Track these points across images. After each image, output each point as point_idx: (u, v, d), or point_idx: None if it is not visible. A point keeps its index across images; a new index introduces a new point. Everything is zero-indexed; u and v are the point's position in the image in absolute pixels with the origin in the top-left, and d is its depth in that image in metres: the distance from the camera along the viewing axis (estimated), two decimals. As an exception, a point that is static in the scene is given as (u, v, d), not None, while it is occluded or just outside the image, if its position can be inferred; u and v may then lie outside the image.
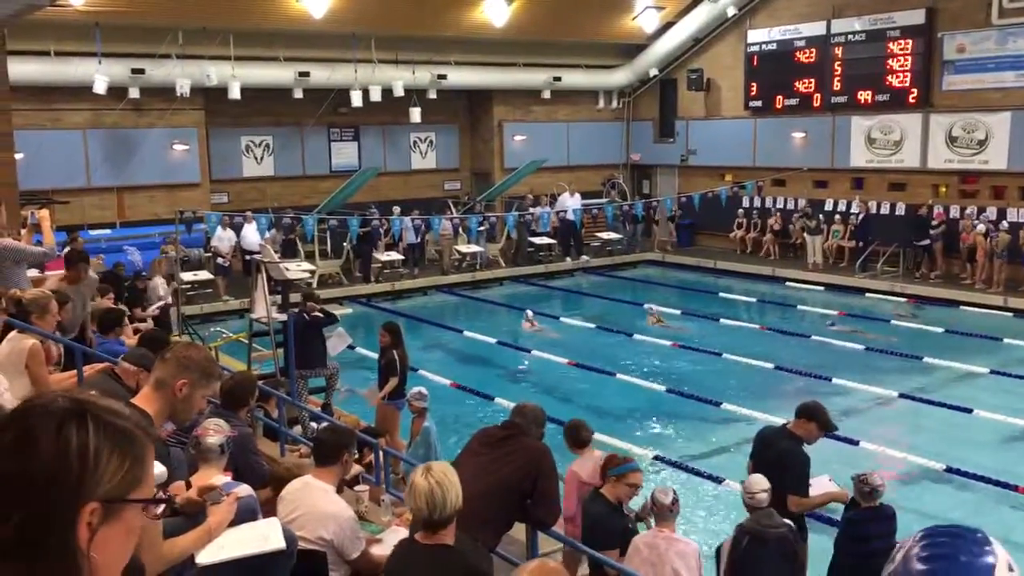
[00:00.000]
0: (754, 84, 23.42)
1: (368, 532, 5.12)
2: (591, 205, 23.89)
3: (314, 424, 8.96)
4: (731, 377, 13.48)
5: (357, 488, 5.94)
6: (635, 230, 24.25)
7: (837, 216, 21.37)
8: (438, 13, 21.00)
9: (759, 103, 23.38)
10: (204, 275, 18.52)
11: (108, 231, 18.80)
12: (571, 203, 23.04)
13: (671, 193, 24.43)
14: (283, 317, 10.53)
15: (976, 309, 17.56)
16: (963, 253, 19.03)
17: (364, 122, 23.14)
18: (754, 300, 19.38)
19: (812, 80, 22.23)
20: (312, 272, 19.04)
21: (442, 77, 22.37)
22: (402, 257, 20.75)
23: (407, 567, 3.64)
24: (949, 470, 9.70)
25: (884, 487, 5.94)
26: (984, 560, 1.26)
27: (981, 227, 18.49)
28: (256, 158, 22.25)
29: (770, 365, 13.71)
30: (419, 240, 21.22)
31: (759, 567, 5.19)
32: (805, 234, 21.41)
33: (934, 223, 19.46)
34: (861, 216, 20.82)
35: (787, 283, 20.73)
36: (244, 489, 4.18)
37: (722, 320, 17.05)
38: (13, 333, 5.76)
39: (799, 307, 18.36)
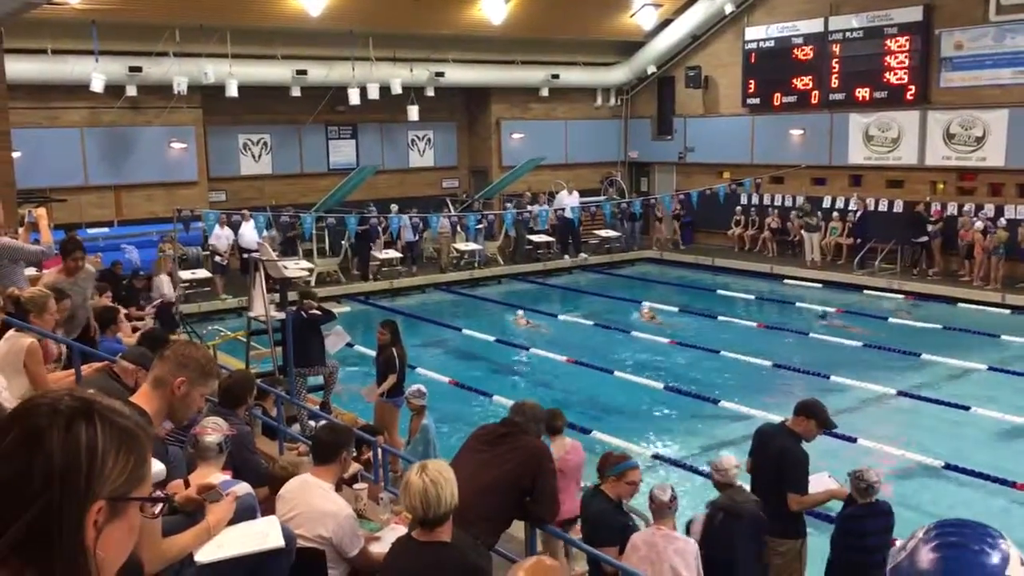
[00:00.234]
0: (752, 81, 23.42)
1: (367, 530, 5.11)
2: (589, 203, 23.91)
3: (312, 422, 8.95)
4: (729, 374, 13.49)
5: (356, 486, 5.94)
6: (633, 228, 24.25)
7: (835, 213, 21.37)
8: (436, 11, 20.98)
9: (757, 100, 23.39)
10: (202, 273, 18.53)
11: (106, 229, 18.80)
12: (569, 201, 23.05)
13: (669, 191, 24.42)
14: (281, 315, 10.51)
15: (974, 306, 17.58)
16: (961, 250, 19.05)
17: (362, 120, 23.13)
18: (752, 297, 19.39)
19: (810, 77, 22.24)
20: (310, 270, 19.07)
21: (440, 75, 22.37)
22: (400, 255, 20.74)
23: (404, 564, 3.64)
24: (947, 467, 9.72)
25: (880, 483, 5.95)
26: (997, 552, 1.25)
27: (979, 224, 18.50)
28: (254, 156, 22.24)
29: (768, 362, 13.72)
30: (417, 238, 21.22)
31: (734, 541, 5.32)
32: (803, 231, 21.42)
33: (932, 220, 19.48)
34: (859, 213, 20.83)
35: (785, 280, 20.75)
36: (243, 487, 4.18)
37: (720, 317, 17.06)
38: (11, 332, 5.75)
39: (797, 304, 18.37)
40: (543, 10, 22.12)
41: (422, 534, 3.54)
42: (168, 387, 3.02)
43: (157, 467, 2.73)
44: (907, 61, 20.44)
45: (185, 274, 17.85)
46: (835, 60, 21.72)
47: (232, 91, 19.60)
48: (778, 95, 22.86)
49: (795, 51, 22.46)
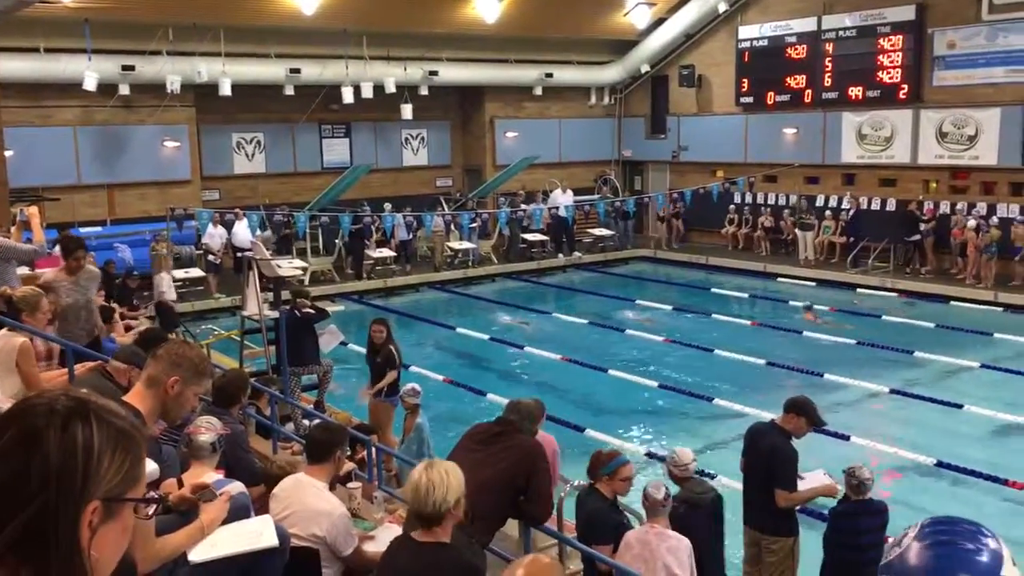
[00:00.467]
0: (745, 80, 23.46)
1: (361, 529, 5.12)
2: (583, 201, 23.92)
3: (307, 421, 8.94)
4: (723, 373, 13.50)
5: (350, 485, 5.94)
6: (626, 226, 24.22)
7: (828, 212, 21.42)
8: (430, 9, 20.96)
9: (750, 99, 23.42)
10: (195, 272, 18.49)
11: (99, 228, 18.73)
12: (563, 200, 23.06)
13: (663, 189, 24.44)
14: (275, 314, 10.50)
15: (967, 304, 17.64)
16: (954, 249, 19.12)
17: (355, 119, 23.11)
18: (746, 296, 19.42)
19: (803, 76, 22.27)
20: (304, 269, 19.03)
21: (434, 74, 22.35)
22: (394, 254, 20.73)
23: (400, 564, 3.64)
24: (940, 464, 9.74)
25: (872, 480, 5.97)
26: (989, 551, 1.25)
27: (972, 222, 18.56)
28: (247, 155, 22.20)
29: (762, 360, 13.75)
30: (411, 237, 21.20)
31: (695, 531, 5.46)
32: (797, 229, 21.46)
33: (924, 219, 19.53)
34: (852, 212, 20.88)
35: (778, 279, 20.79)
36: (236, 487, 4.17)
37: (714, 316, 17.09)
38: (3, 331, 5.73)
39: (791, 303, 18.40)
40: (537, 9, 22.11)
41: (421, 534, 3.53)
42: (161, 386, 3.01)
43: (151, 467, 2.72)
44: (900, 60, 20.49)
45: (178, 273, 17.81)
46: (828, 59, 21.76)
47: (225, 90, 19.55)
48: (771, 94, 22.89)
49: (788, 50, 22.50)
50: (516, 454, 4.87)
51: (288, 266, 15.53)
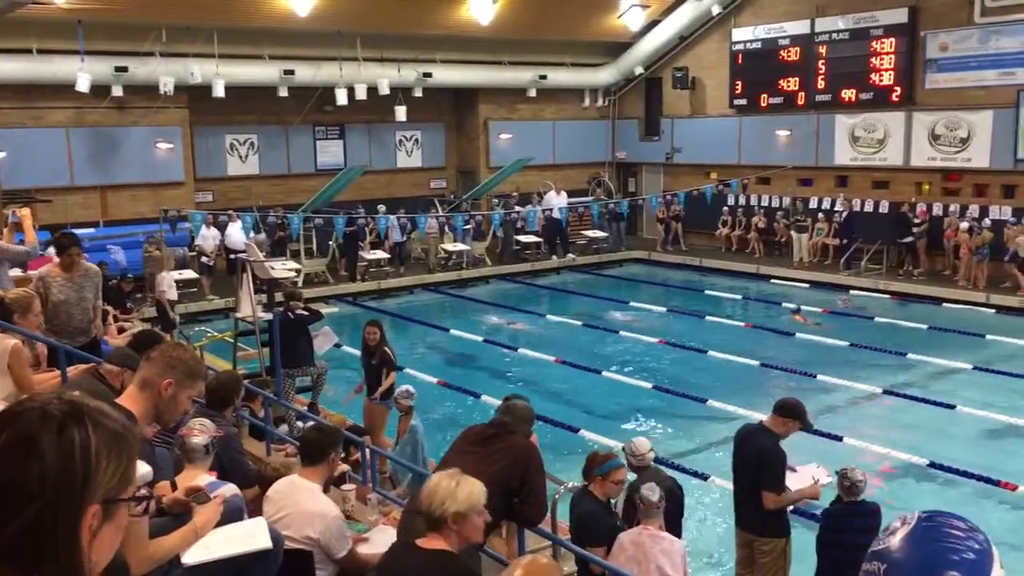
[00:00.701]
0: (739, 82, 23.51)
1: (355, 531, 5.11)
2: (577, 203, 23.94)
3: (301, 423, 8.93)
4: (716, 374, 13.53)
5: (344, 487, 5.93)
6: (619, 228, 24.21)
7: (820, 215, 21.48)
8: (424, 11, 20.97)
9: (744, 101, 23.47)
10: (189, 274, 18.45)
11: (92, 230, 18.67)
12: (557, 201, 23.08)
13: (656, 191, 24.48)
14: (268, 316, 10.49)
15: (959, 306, 17.69)
16: (948, 250, 19.19)
17: (349, 120, 23.10)
18: (739, 298, 19.46)
19: (796, 78, 22.34)
20: (298, 271, 19.02)
21: (428, 75, 22.35)
22: (388, 256, 20.72)
23: (396, 566, 3.65)
24: (932, 465, 9.77)
25: (865, 482, 5.99)
26: (980, 545, 1.26)
27: (965, 224, 18.63)
28: (241, 157, 22.17)
29: (755, 362, 13.77)
30: (405, 239, 21.19)
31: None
32: (792, 231, 21.50)
33: (917, 221, 19.59)
34: (845, 214, 20.94)
35: (772, 280, 20.83)
36: (230, 489, 4.17)
37: (708, 317, 17.11)
38: (-5, 333, 5.72)
39: (784, 304, 18.44)
40: (531, 11, 22.13)
41: (423, 540, 3.54)
42: (155, 389, 3.01)
43: (144, 469, 2.72)
44: (893, 63, 20.56)
45: (172, 275, 17.76)
46: (821, 61, 21.83)
47: (219, 91, 19.52)
48: (765, 96, 22.95)
49: (781, 52, 22.56)
50: (510, 455, 4.88)
51: (282, 268, 15.53)
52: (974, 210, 19.21)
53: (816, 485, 6.42)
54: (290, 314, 10.49)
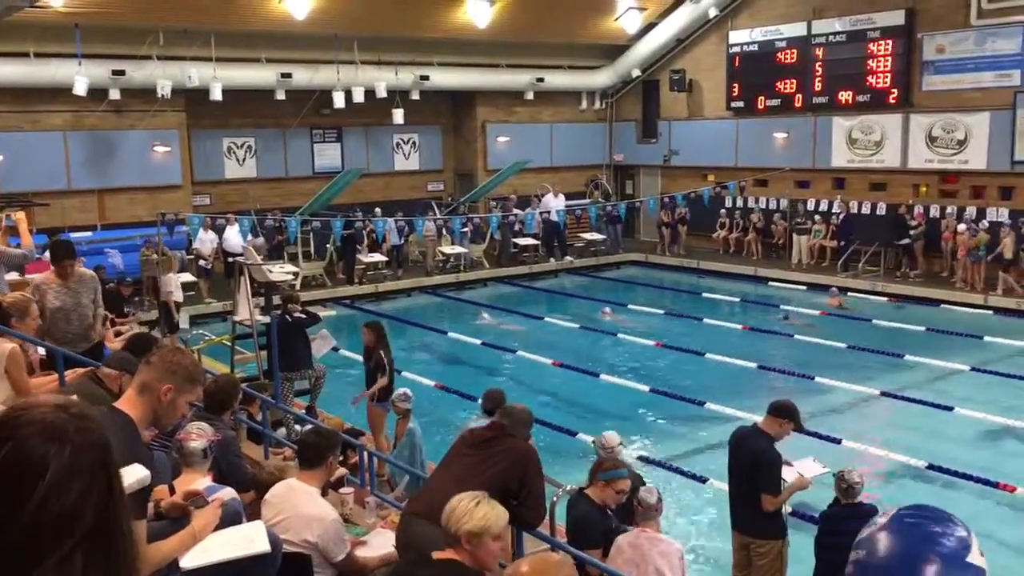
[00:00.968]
0: (736, 85, 23.54)
1: (353, 535, 5.11)
2: (575, 206, 23.94)
3: (299, 427, 8.93)
4: (714, 377, 13.53)
5: (342, 491, 5.93)
6: (615, 231, 24.20)
7: (817, 217, 21.50)
8: (421, 14, 20.98)
9: (741, 104, 23.50)
10: (186, 277, 18.41)
11: (89, 234, 18.67)
12: (555, 204, 23.09)
13: (654, 194, 24.49)
14: (266, 319, 10.48)
15: (957, 307, 17.71)
16: (945, 252, 19.22)
17: (347, 123, 23.10)
18: (737, 300, 19.46)
19: (793, 81, 22.37)
20: (295, 274, 19.00)
21: (425, 78, 22.36)
22: (386, 258, 20.71)
23: (408, 572, 3.70)
24: (931, 467, 9.77)
25: (862, 484, 6.00)
26: (957, 537, 1.26)
27: (963, 226, 18.67)
28: (238, 160, 22.17)
29: (753, 364, 13.76)
30: (403, 241, 21.20)
31: (623, 506, 5.78)
32: (793, 233, 21.52)
33: (912, 226, 19.62)
34: (842, 216, 20.97)
35: (770, 283, 20.85)
36: (228, 493, 4.17)
37: (705, 320, 17.12)
38: (-7, 337, 5.71)
39: (782, 306, 18.44)
40: (528, 13, 22.15)
41: (439, 551, 3.58)
42: (154, 393, 3.00)
43: (142, 473, 2.72)
44: (889, 65, 20.59)
45: (178, 276, 17.74)
46: (818, 64, 21.86)
47: (216, 94, 19.51)
48: (762, 98, 22.98)
49: (778, 55, 22.59)
50: (509, 458, 4.89)
51: (279, 271, 15.52)
52: (971, 212, 19.24)
53: (804, 477, 6.46)
54: (288, 317, 10.48)
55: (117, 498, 1.21)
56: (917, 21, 20.12)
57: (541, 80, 24.59)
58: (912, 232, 19.54)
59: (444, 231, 21.61)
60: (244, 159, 22.22)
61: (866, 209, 21.06)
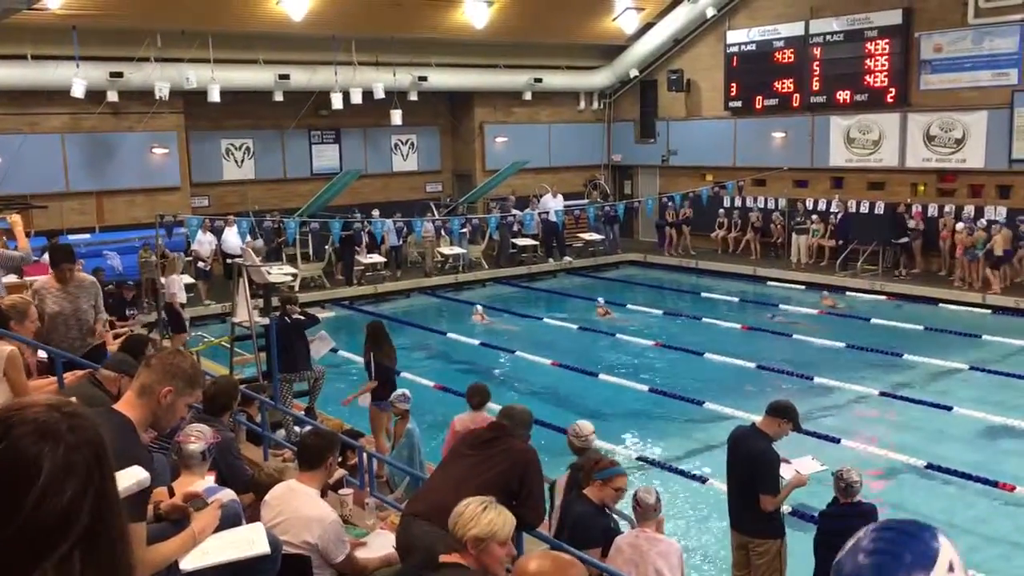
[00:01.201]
0: (734, 84, 23.55)
1: (353, 536, 5.11)
2: (573, 206, 23.95)
3: (298, 428, 8.93)
4: (713, 376, 13.53)
5: (341, 492, 5.94)
6: (613, 231, 24.20)
7: (814, 216, 21.51)
8: (418, 15, 20.98)
9: (739, 103, 23.51)
10: (185, 279, 18.38)
11: (87, 236, 18.66)
12: (553, 204, 23.10)
13: (652, 193, 24.50)
14: (265, 321, 10.48)
15: (955, 306, 17.72)
16: (943, 251, 19.23)
17: (345, 124, 23.10)
18: (736, 299, 19.46)
19: (791, 80, 22.38)
20: (294, 275, 19.00)
21: (423, 79, 22.36)
22: (384, 259, 20.71)
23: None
24: (930, 467, 9.77)
25: (861, 483, 6.01)
26: (927, 557, 1.26)
27: (961, 225, 18.69)
28: (236, 161, 22.16)
29: (752, 364, 13.77)
30: (401, 242, 21.20)
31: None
32: (793, 233, 21.53)
33: (910, 229, 19.64)
34: (840, 215, 20.99)
35: (768, 282, 20.86)
36: (227, 494, 4.17)
37: (704, 319, 17.12)
38: (-8, 340, 5.71)
39: (781, 306, 18.46)
40: (525, 14, 22.15)
41: (445, 557, 3.58)
42: (154, 396, 3.00)
43: (141, 475, 2.72)
44: (887, 64, 20.61)
45: (182, 278, 17.74)
46: (816, 63, 21.88)
47: (214, 96, 19.51)
48: (760, 98, 22.99)
49: (776, 54, 22.61)
50: (509, 459, 4.89)
51: (278, 272, 15.52)
52: (969, 210, 19.25)
53: (801, 475, 6.47)
54: (287, 318, 10.48)
55: (112, 497, 1.21)
56: (914, 20, 20.14)
57: (539, 80, 24.60)
58: (910, 231, 19.56)
59: (443, 232, 21.62)
60: (242, 160, 22.22)
61: (864, 208, 21.08)
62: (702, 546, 8.41)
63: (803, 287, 20.01)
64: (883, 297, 18.82)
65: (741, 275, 21.48)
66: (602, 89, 26.55)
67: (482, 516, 3.52)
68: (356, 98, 21.07)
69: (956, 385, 12.88)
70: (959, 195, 19.82)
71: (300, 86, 20.91)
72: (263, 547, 3.88)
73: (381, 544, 5.12)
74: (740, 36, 23.36)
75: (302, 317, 10.78)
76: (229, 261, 16.87)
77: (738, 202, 23.32)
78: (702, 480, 9.52)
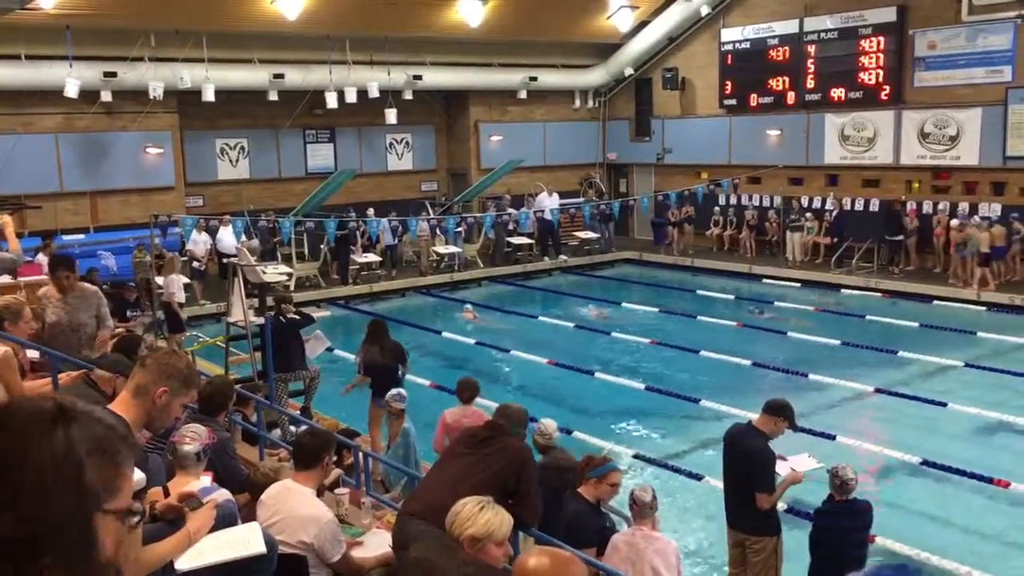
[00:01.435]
0: (728, 82, 23.56)
1: (349, 535, 5.11)
2: (568, 205, 23.95)
3: (293, 428, 8.92)
4: (709, 374, 13.54)
5: (337, 491, 5.93)
6: (609, 229, 24.20)
7: (808, 214, 21.53)
8: (413, 14, 20.96)
9: (734, 101, 23.53)
10: (183, 279, 18.36)
11: (82, 236, 18.63)
12: (548, 203, 23.09)
13: (648, 192, 24.50)
14: (260, 320, 10.47)
15: (950, 303, 17.76)
16: (937, 248, 19.27)
17: (340, 124, 23.07)
18: (731, 297, 19.48)
19: (786, 78, 22.40)
20: (289, 275, 18.95)
21: (418, 78, 22.34)
22: (380, 259, 20.70)
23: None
24: (925, 463, 9.78)
25: (856, 480, 6.02)
26: None
27: (955, 221, 18.73)
28: (231, 161, 22.13)
29: (747, 361, 13.79)
30: (397, 241, 21.18)
31: (563, 490, 5.96)
32: (787, 231, 21.55)
33: (907, 230, 19.67)
34: (835, 212, 21.01)
35: (763, 280, 20.88)
36: (223, 494, 4.16)
37: (699, 317, 17.14)
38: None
39: (776, 303, 18.48)
40: (520, 12, 22.15)
41: None
42: (149, 396, 3.00)
43: (137, 475, 2.72)
44: (881, 61, 20.64)
45: (180, 278, 17.70)
46: (810, 61, 21.90)
47: (209, 95, 19.49)
48: (754, 96, 23.01)
49: (771, 52, 22.63)
50: (505, 458, 4.90)
51: (273, 272, 15.48)
52: (964, 208, 19.29)
53: (797, 472, 6.48)
54: (282, 318, 10.47)
55: (95, 492, 1.20)
56: (909, 18, 20.17)
57: (534, 79, 24.59)
58: (905, 228, 19.61)
59: (438, 231, 21.61)
60: (237, 160, 22.18)
61: (859, 206, 21.11)
62: (698, 544, 8.42)
63: (798, 285, 20.04)
64: (878, 294, 18.86)
65: (736, 273, 21.49)
66: (597, 87, 26.56)
67: (479, 516, 3.52)
68: (351, 97, 21.05)
69: (951, 382, 12.91)
70: (953, 192, 19.86)
71: (295, 85, 20.88)
72: (259, 547, 3.87)
73: (377, 544, 5.11)
74: (734, 34, 23.37)
75: (297, 317, 10.76)
76: (225, 261, 16.84)
77: (733, 200, 23.34)
78: (698, 478, 9.52)
